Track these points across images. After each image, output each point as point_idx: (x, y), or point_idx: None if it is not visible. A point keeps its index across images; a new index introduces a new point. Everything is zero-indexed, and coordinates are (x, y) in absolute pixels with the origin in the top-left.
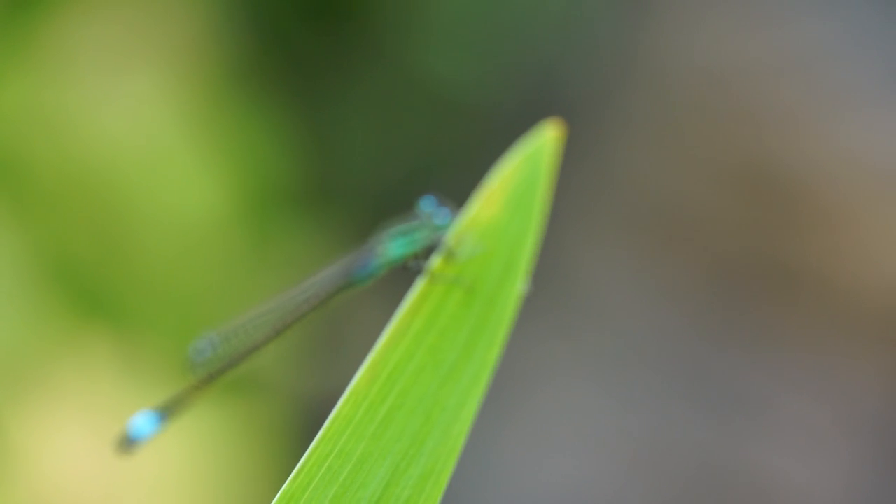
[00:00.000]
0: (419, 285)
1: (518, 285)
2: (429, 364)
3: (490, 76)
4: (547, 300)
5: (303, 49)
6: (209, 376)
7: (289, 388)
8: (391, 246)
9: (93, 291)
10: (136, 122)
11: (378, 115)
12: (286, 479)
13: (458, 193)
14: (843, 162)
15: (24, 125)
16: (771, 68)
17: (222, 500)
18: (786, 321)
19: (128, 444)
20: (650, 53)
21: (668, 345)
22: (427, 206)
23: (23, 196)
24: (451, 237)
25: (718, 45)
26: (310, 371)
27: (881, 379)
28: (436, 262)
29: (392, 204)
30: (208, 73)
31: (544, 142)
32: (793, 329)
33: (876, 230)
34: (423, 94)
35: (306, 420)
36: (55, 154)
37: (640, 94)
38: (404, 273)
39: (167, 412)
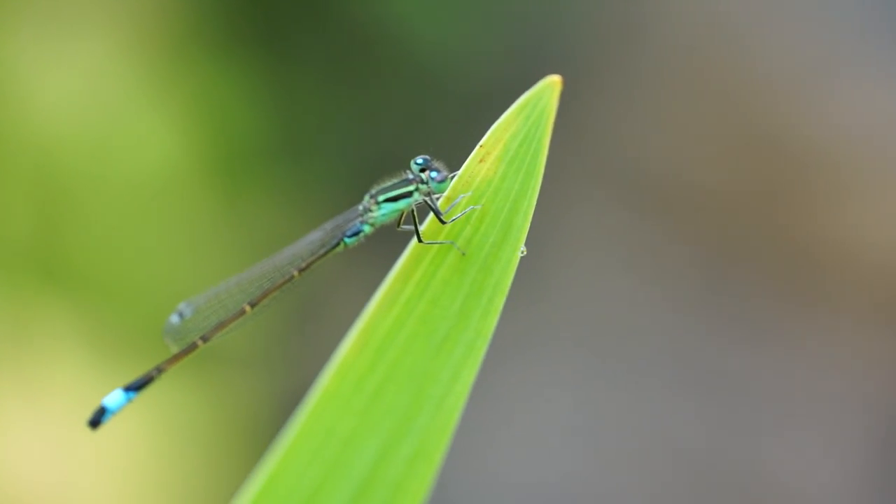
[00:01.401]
0: (410, 249)
1: (516, 248)
2: (420, 334)
3: (477, 45)
4: (522, 267)
5: (280, 8)
6: (188, 347)
7: (270, 366)
8: (381, 206)
9: (46, 264)
10: (88, 84)
11: (360, 76)
12: (264, 461)
13: (443, 159)
14: (854, 132)
15: None
16: (783, 30)
17: (192, 483)
18: (787, 303)
19: (96, 419)
20: (651, 13)
21: (657, 325)
22: (419, 165)
23: None
24: (443, 197)
25: (722, 7)
26: (293, 347)
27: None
28: (427, 223)
29: (375, 163)
30: (168, 30)
31: (541, 96)
32: (794, 312)
33: (887, 204)
34: (408, 57)
35: (288, 401)
36: (2, 115)
37: (640, 60)
38: (395, 235)
39: (138, 388)
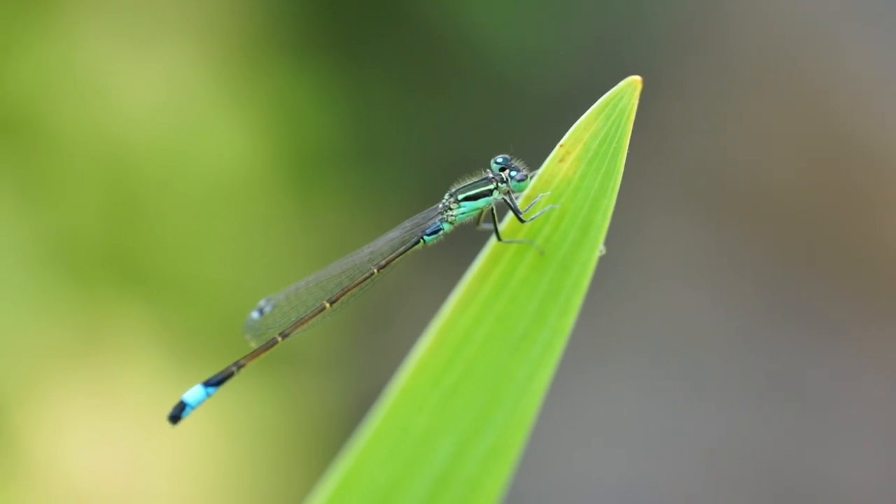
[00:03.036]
0: (489, 247)
1: (595, 248)
2: (498, 332)
3: (553, 50)
4: (596, 273)
5: (355, 13)
6: (267, 343)
7: (342, 370)
8: (461, 205)
9: (122, 267)
10: (164, 88)
11: (434, 79)
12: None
13: (519, 162)
14: None
15: (56, 91)
16: (863, 35)
17: (263, 484)
18: (863, 310)
19: (176, 414)
20: (724, 23)
21: (730, 330)
22: (499, 164)
23: (46, 165)
24: (523, 196)
25: (799, 10)
26: (364, 353)
27: None
28: (506, 222)
29: (447, 167)
30: (249, 36)
31: (622, 96)
32: (871, 319)
33: None
34: (484, 60)
35: (359, 405)
36: (83, 120)
37: (716, 65)
38: (472, 234)
39: (217, 383)
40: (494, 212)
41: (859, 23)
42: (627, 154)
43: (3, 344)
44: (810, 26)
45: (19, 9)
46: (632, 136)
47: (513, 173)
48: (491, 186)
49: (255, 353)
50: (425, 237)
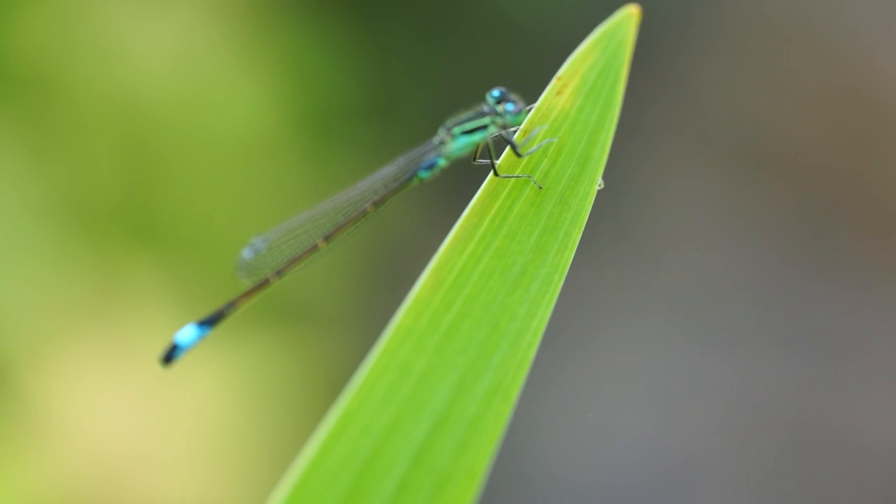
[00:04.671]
0: (485, 183)
1: (594, 182)
2: (496, 269)
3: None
4: (618, 229)
5: None
6: (261, 282)
7: (357, 326)
8: (456, 139)
9: (136, 222)
10: (178, 43)
11: (450, 33)
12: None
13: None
14: None
15: (71, 48)
16: None
17: (276, 439)
18: (880, 260)
19: (168, 356)
20: None
21: (751, 284)
22: (495, 97)
23: (59, 123)
24: (519, 130)
25: None
26: (381, 308)
27: None
28: (504, 157)
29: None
30: None
31: (619, 26)
32: (889, 272)
33: None
34: (500, 13)
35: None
36: (97, 76)
37: (733, 15)
38: (471, 172)
39: (211, 323)
40: (491, 146)
41: None
42: (647, 109)
43: (18, 303)
44: None
45: None
46: (652, 92)
47: (508, 106)
48: (486, 121)
49: (248, 293)
50: (420, 172)
